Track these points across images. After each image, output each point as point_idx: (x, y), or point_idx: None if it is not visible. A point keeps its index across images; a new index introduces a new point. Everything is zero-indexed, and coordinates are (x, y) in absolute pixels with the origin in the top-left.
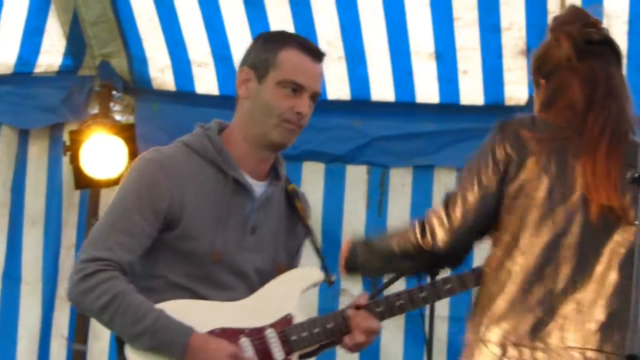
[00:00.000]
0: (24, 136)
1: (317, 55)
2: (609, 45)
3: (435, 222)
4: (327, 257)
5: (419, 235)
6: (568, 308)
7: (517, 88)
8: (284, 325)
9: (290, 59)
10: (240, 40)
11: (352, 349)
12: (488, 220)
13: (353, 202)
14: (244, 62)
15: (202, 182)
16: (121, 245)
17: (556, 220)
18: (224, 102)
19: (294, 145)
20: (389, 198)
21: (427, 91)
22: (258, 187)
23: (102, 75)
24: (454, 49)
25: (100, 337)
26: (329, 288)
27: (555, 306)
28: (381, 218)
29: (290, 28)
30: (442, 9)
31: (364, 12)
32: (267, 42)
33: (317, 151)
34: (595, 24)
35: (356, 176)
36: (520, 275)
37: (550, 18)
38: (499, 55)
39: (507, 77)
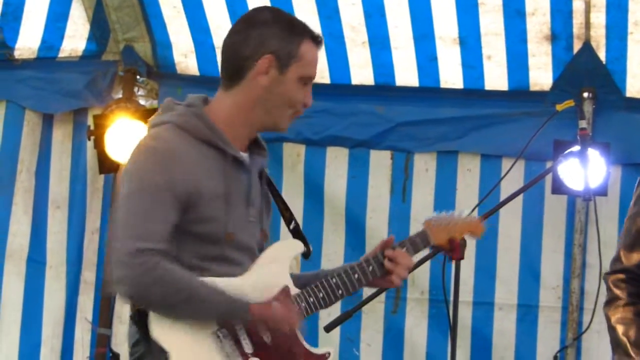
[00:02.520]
0: (48, 121)
1: (321, 44)
2: None
3: None
4: (351, 241)
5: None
6: None
7: (541, 73)
8: (285, 296)
9: (308, 53)
10: None
11: (397, 284)
12: None
13: (377, 187)
14: (263, 46)
15: (204, 163)
16: (160, 235)
17: None
18: None
19: (318, 130)
20: (412, 183)
21: (451, 77)
22: (246, 158)
23: (125, 60)
24: (478, 34)
25: (124, 321)
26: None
27: None
28: (405, 203)
29: (314, 13)
30: None
31: None
32: (288, 31)
33: (341, 136)
34: None
35: (380, 161)
36: None
37: (575, 3)
38: (523, 40)
39: (532, 62)
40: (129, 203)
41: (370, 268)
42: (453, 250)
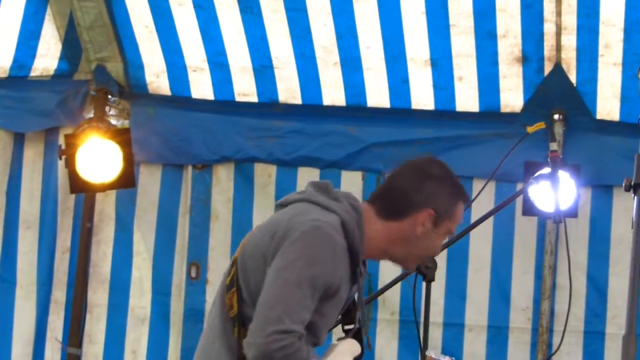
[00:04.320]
0: (19, 140)
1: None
2: None
3: None
4: None
5: None
6: None
7: (512, 95)
8: None
9: (460, 214)
10: (236, 46)
11: None
12: None
13: None
14: (430, 201)
15: (346, 271)
16: (305, 323)
17: None
18: (219, 107)
19: (289, 150)
20: None
21: (422, 98)
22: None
23: (97, 79)
24: (449, 56)
25: (94, 341)
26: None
27: None
28: None
29: (286, 34)
30: (438, 16)
31: (360, 18)
32: (452, 192)
33: (313, 157)
34: None
35: (351, 182)
36: None
37: (546, 25)
38: (494, 62)
39: (503, 84)
40: (293, 282)
41: None
42: None
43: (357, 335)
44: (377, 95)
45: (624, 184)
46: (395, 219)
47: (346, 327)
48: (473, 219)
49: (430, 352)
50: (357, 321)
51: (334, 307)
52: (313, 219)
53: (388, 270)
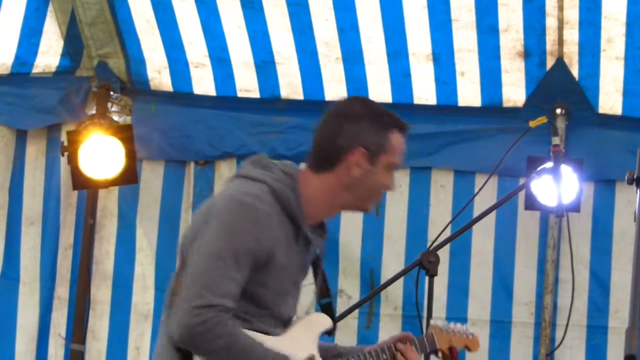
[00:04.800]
0: (21, 137)
1: (407, 132)
2: None
3: None
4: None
5: None
6: None
7: (514, 90)
8: None
9: (397, 143)
10: (237, 42)
11: None
12: None
13: None
14: (357, 140)
15: (283, 233)
16: (233, 295)
17: None
18: (221, 103)
19: (291, 146)
20: (386, 199)
21: (424, 93)
22: (313, 238)
23: (99, 76)
24: (451, 51)
25: (98, 337)
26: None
27: None
28: (379, 219)
29: (287, 29)
30: (439, 11)
31: (362, 13)
32: (378, 124)
33: None
34: None
35: None
36: None
37: (548, 20)
38: (496, 56)
39: (505, 78)
40: (213, 255)
41: (384, 357)
42: (452, 357)
43: (329, 308)
44: (379, 89)
45: (626, 177)
46: (329, 170)
47: (322, 300)
48: (475, 214)
49: (436, 321)
50: (330, 294)
51: (277, 276)
52: (233, 193)
53: (391, 265)
